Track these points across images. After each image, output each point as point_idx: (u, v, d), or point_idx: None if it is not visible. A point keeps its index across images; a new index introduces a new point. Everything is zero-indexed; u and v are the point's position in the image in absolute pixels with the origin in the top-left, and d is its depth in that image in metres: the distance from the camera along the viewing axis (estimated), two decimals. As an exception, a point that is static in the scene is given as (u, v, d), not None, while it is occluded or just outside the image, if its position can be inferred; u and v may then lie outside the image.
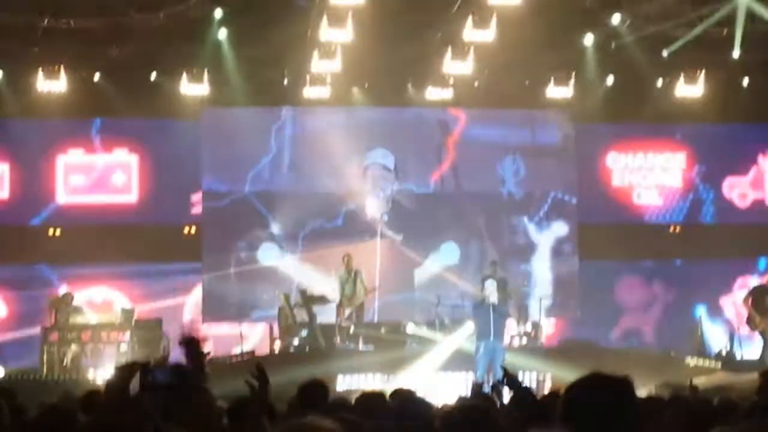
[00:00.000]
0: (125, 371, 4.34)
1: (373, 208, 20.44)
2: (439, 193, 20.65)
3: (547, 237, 20.79)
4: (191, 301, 20.17)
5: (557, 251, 20.75)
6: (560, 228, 20.84)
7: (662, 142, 21.54)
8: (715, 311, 20.63)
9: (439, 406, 6.92)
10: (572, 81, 20.11)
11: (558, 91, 20.17)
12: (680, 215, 21.42)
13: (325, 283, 19.00)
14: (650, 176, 21.40)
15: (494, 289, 15.29)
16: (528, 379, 16.24)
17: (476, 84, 20.23)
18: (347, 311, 18.07)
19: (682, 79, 20.19)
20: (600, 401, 3.30)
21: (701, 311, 20.03)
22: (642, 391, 8.11)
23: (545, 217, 20.80)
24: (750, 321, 17.91)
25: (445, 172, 20.69)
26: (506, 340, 17.80)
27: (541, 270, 20.63)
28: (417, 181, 20.65)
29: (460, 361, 16.30)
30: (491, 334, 15.03)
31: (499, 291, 15.77)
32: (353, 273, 18.19)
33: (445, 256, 20.35)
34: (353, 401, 6.83)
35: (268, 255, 20.12)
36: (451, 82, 20.02)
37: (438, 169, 20.68)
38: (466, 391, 13.76)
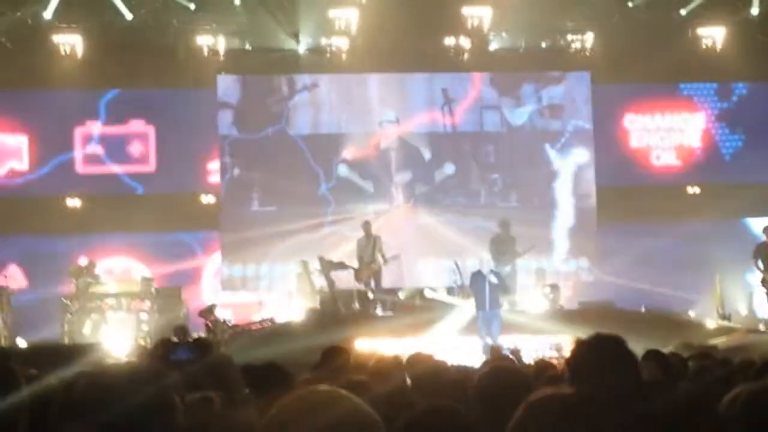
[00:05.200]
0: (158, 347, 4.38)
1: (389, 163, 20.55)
2: (458, 133, 20.82)
3: (569, 163, 20.88)
4: (210, 269, 20.23)
5: (578, 177, 20.84)
6: (581, 155, 20.89)
7: (680, 102, 21.38)
8: (734, 272, 20.50)
9: (458, 370, 6.91)
10: (589, 42, 19.97)
11: (575, 52, 20.06)
12: (699, 176, 21.28)
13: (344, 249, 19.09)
14: (668, 137, 21.27)
15: (491, 267, 16.29)
16: (547, 341, 16.30)
17: (491, 47, 20.12)
18: (365, 278, 18.06)
19: (700, 38, 20.01)
20: (598, 359, 3.51)
21: (720, 272, 19.87)
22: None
23: (567, 144, 20.86)
24: (764, 282, 17.80)
25: (462, 111, 20.77)
26: (524, 302, 17.98)
27: (563, 202, 20.74)
28: (433, 123, 20.73)
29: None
30: (487, 304, 15.80)
31: (507, 251, 17.39)
32: (371, 239, 18.19)
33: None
34: (371, 366, 6.83)
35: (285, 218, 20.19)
36: (468, 46, 19.93)
37: (457, 111, 20.74)
38: (481, 355, 13.93)
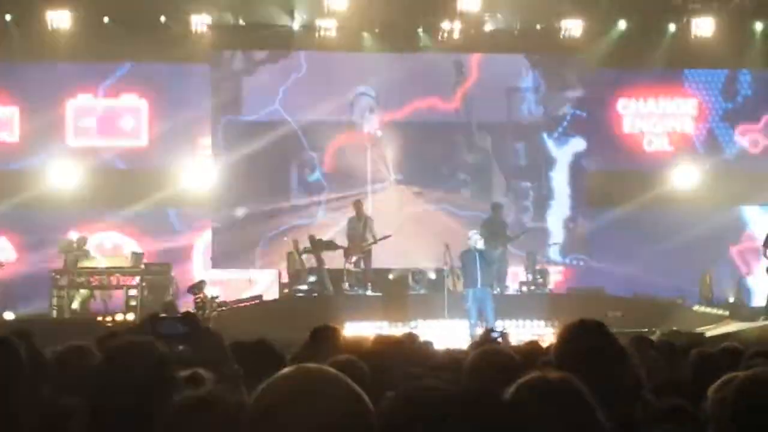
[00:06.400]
0: (146, 321, 4.37)
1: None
2: (456, 120, 20.47)
3: (566, 152, 20.79)
4: (201, 247, 20.21)
5: (574, 166, 20.71)
6: (577, 143, 20.80)
7: (674, 87, 21.36)
8: (724, 259, 20.57)
9: (447, 352, 6.92)
10: (583, 25, 19.93)
11: (569, 36, 20.03)
12: (691, 162, 21.28)
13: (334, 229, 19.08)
14: (661, 123, 21.27)
15: (478, 238, 15.55)
16: (536, 326, 16.34)
17: (486, 28, 20.06)
18: (354, 257, 18.02)
19: (694, 23, 19.99)
20: (584, 345, 3.57)
21: (710, 259, 19.92)
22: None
23: (564, 133, 20.74)
24: None
25: (463, 96, 20.45)
26: (512, 287, 17.99)
27: (559, 191, 20.66)
28: (432, 110, 20.34)
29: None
30: (478, 281, 15.29)
31: (498, 234, 16.92)
32: (363, 219, 18.12)
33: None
34: (361, 346, 6.83)
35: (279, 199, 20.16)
36: (461, 26, 19.85)
37: (456, 95, 20.45)
38: (469, 338, 13.91)
